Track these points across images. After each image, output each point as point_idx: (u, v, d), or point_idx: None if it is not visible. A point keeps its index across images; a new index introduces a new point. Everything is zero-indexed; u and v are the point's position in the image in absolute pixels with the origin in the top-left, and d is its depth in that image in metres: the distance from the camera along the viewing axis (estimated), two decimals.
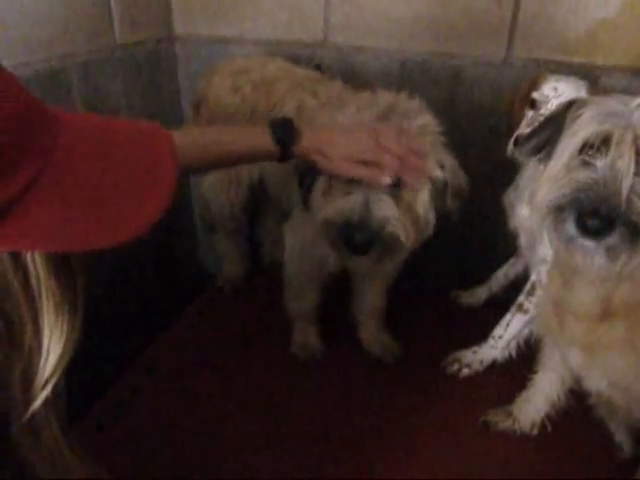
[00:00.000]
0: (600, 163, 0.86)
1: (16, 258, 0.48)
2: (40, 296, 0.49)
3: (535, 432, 1.33)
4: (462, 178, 1.25)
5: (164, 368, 1.56)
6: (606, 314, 0.97)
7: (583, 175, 0.87)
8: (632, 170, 0.83)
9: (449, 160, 1.23)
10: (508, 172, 1.48)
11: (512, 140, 1.36)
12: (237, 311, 1.81)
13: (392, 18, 1.60)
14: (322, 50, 1.68)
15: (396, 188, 1.18)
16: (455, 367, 1.55)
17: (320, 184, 1.25)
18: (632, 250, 0.85)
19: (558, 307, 1.05)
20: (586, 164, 0.89)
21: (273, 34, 1.71)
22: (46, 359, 0.51)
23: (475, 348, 1.56)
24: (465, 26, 1.54)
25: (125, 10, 1.58)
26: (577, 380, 1.20)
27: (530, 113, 1.36)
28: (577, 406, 1.28)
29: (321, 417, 1.40)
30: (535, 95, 1.35)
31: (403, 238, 1.18)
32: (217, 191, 1.70)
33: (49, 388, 0.52)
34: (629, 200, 0.82)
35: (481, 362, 1.54)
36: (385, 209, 1.16)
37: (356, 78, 1.62)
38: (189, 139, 1.10)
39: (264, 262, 2.00)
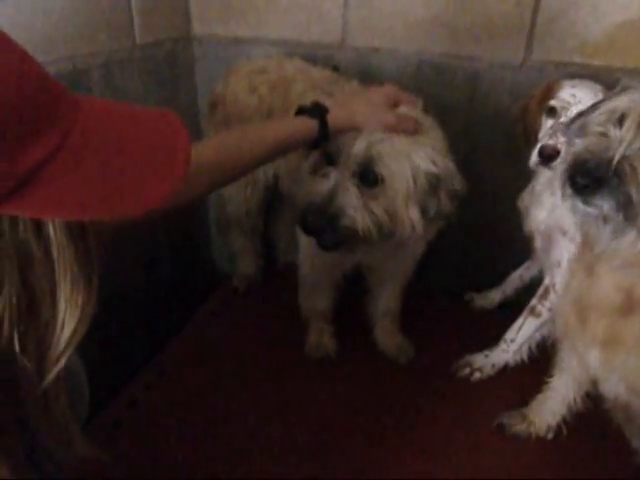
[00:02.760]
0: (613, 134, 0.89)
1: (39, 227, 0.49)
2: (59, 268, 0.51)
3: (550, 436, 1.33)
4: (457, 180, 1.22)
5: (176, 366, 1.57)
6: (628, 308, 0.98)
7: (590, 141, 0.92)
8: (637, 145, 0.86)
9: (443, 161, 1.20)
10: (524, 176, 1.48)
11: (536, 151, 1.33)
12: (251, 311, 1.82)
13: (410, 20, 1.60)
14: (339, 51, 1.69)
15: (372, 183, 1.17)
16: (466, 371, 1.54)
17: (310, 162, 1.26)
18: (626, 222, 0.88)
19: (579, 304, 1.05)
20: (602, 134, 0.92)
21: (291, 35, 1.71)
22: (61, 332, 0.52)
23: (486, 352, 1.55)
24: (483, 28, 1.53)
25: (145, 10, 1.59)
26: (594, 384, 1.19)
27: (549, 122, 1.35)
28: (593, 410, 1.27)
29: (334, 417, 1.40)
30: (553, 103, 1.34)
31: (360, 231, 1.17)
32: (234, 191, 1.71)
33: (62, 362, 0.53)
34: (621, 168, 0.85)
35: (493, 366, 1.54)
36: (346, 200, 1.16)
37: (373, 80, 1.62)
38: (233, 140, 1.13)
39: (278, 262, 2.00)
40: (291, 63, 1.59)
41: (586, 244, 1.04)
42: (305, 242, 1.49)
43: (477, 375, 1.53)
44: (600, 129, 0.92)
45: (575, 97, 1.31)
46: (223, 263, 2.09)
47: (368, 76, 1.64)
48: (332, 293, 1.57)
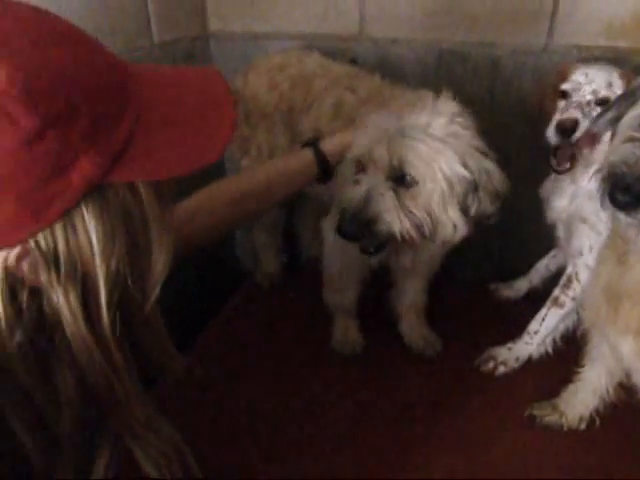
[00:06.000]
0: None
1: (133, 190, 0.61)
2: (150, 220, 0.63)
3: (583, 427, 1.31)
4: (497, 180, 1.20)
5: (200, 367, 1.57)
6: None
7: (625, 150, 0.88)
8: None
9: (477, 162, 1.18)
10: (546, 163, 1.45)
11: (552, 128, 1.31)
12: (275, 307, 1.81)
13: (428, 8, 1.58)
14: (357, 43, 1.67)
15: (409, 183, 1.16)
16: (490, 365, 1.51)
17: (343, 171, 1.25)
18: None
19: (611, 292, 1.03)
20: (634, 139, 0.89)
21: (308, 28, 1.70)
22: (155, 267, 0.66)
23: (510, 344, 1.53)
24: (504, 14, 1.51)
25: (162, 9, 1.60)
26: (627, 374, 1.17)
27: (562, 103, 1.32)
28: (627, 401, 1.24)
29: (360, 411, 1.40)
30: (565, 86, 1.31)
31: (398, 236, 1.17)
32: None
33: (158, 289, 0.67)
34: None
35: (517, 359, 1.51)
36: (382, 205, 1.15)
37: (392, 70, 1.61)
38: (252, 179, 1.25)
39: (302, 257, 2.00)
40: (311, 58, 1.57)
41: (616, 232, 1.02)
42: (331, 239, 1.48)
43: (501, 369, 1.50)
44: (632, 133, 0.89)
45: (587, 76, 1.28)
46: (247, 260, 2.10)
47: (387, 67, 1.63)
48: (358, 288, 1.56)
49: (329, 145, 1.23)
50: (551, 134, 1.31)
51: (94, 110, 0.55)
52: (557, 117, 1.31)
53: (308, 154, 1.22)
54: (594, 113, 1.24)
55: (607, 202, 0.88)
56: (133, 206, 0.61)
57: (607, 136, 1.14)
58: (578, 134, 1.28)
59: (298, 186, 1.28)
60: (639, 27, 1.40)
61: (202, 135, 0.65)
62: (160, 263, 0.66)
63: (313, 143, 1.24)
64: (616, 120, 0.97)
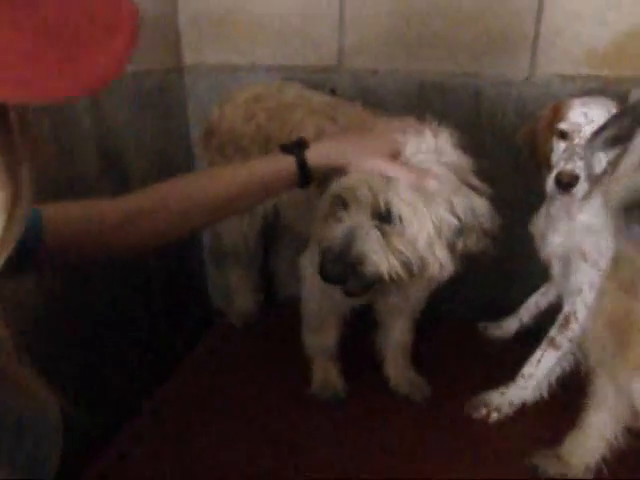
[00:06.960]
0: None
1: None
2: None
3: (590, 477, 1.20)
4: (486, 219, 1.14)
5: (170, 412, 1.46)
6: None
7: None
8: None
9: (466, 204, 1.11)
10: (534, 195, 1.41)
11: (553, 177, 1.26)
12: (250, 349, 1.72)
13: (408, 39, 1.56)
14: (336, 75, 1.64)
15: (391, 223, 1.09)
16: (483, 412, 1.41)
17: (321, 207, 1.18)
18: None
19: (617, 327, 0.95)
20: None
21: (285, 60, 1.67)
22: None
23: (503, 389, 1.43)
24: (485, 44, 1.50)
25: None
26: (635, 417, 1.08)
27: (562, 145, 1.28)
28: (635, 445, 1.15)
29: (344, 460, 1.29)
30: (564, 126, 1.27)
31: (386, 277, 1.09)
32: (230, 222, 1.62)
33: None
34: None
35: (511, 404, 1.41)
36: (367, 244, 1.08)
37: (373, 101, 1.57)
38: (192, 182, 1.09)
39: (278, 295, 1.91)
40: (291, 89, 1.52)
41: (621, 262, 0.95)
42: (309, 276, 1.40)
43: (494, 415, 1.41)
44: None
45: (587, 117, 1.24)
46: (219, 299, 1.99)
47: (368, 98, 1.59)
48: (339, 329, 1.47)
49: (315, 154, 1.10)
50: (551, 186, 1.27)
51: None
52: (559, 166, 1.26)
53: (290, 164, 1.08)
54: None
55: (628, 234, 0.81)
56: None
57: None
58: (579, 187, 1.23)
59: (270, 196, 1.18)
60: (620, 55, 1.40)
61: (67, 59, 0.42)
62: None
63: (297, 149, 1.10)
64: (613, 139, 0.92)
